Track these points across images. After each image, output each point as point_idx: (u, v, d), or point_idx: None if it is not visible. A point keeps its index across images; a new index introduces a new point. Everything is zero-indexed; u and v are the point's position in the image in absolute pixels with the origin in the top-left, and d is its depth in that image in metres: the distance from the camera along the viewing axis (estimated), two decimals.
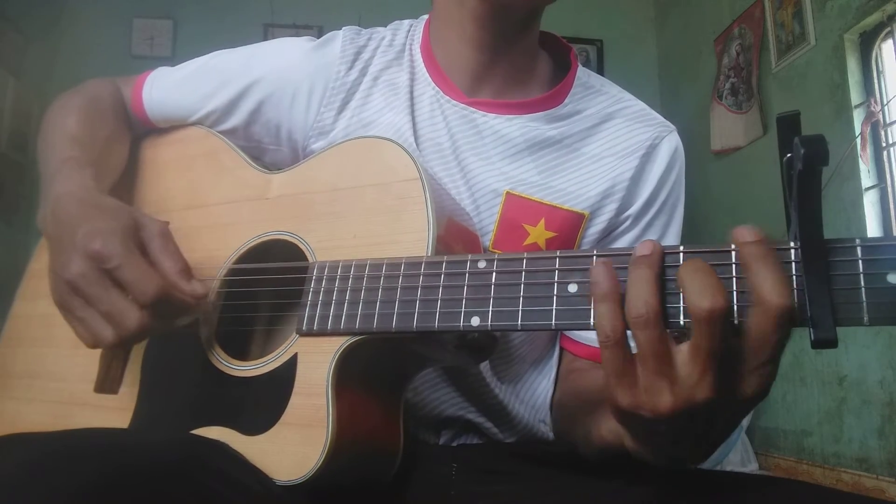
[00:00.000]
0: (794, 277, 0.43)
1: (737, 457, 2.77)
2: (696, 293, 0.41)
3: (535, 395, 0.78)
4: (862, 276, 0.41)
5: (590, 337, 0.76)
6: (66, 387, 0.76)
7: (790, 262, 0.43)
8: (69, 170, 0.70)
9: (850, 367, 2.41)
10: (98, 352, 0.73)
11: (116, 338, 0.58)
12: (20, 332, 0.85)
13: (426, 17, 0.85)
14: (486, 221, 0.74)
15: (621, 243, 0.78)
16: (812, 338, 0.41)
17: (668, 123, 0.80)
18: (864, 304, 0.41)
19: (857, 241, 0.42)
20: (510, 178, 0.75)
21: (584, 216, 0.75)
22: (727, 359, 0.42)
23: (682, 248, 0.46)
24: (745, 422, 2.83)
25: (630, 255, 0.47)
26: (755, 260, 0.42)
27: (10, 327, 0.86)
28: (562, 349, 0.81)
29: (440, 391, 0.73)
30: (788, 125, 0.41)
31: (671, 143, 0.78)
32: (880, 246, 0.41)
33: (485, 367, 0.73)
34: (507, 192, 0.74)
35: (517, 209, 0.74)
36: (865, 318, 0.40)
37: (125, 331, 0.58)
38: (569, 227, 0.75)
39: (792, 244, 0.44)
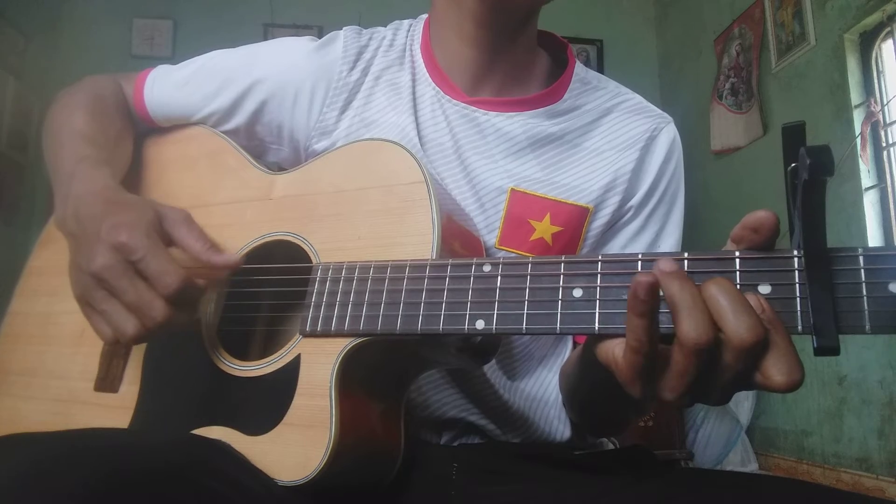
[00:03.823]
0: (798, 286, 0.43)
1: (737, 457, 2.77)
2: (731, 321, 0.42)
3: (546, 391, 0.78)
4: (864, 285, 0.41)
5: None
6: (65, 384, 0.76)
7: (793, 271, 0.44)
8: (86, 169, 0.71)
9: (850, 367, 2.41)
10: (98, 350, 0.73)
11: (138, 330, 0.59)
12: (18, 329, 0.85)
13: (425, 16, 0.85)
14: (492, 219, 0.75)
15: (623, 235, 0.79)
16: (815, 345, 0.41)
17: (665, 114, 0.81)
18: (866, 312, 0.41)
19: (860, 250, 0.42)
20: (514, 175, 0.75)
21: (589, 210, 0.76)
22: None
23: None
24: (745, 421, 2.83)
25: (633, 261, 0.47)
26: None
27: (8, 325, 0.86)
28: (576, 344, 0.81)
29: (443, 392, 0.73)
30: (793, 135, 0.42)
31: (669, 133, 0.80)
32: (882, 256, 0.42)
33: (491, 366, 0.73)
34: (512, 189, 0.75)
35: (522, 205, 0.75)
36: (867, 327, 0.41)
37: (150, 321, 0.58)
38: (574, 220, 0.75)
39: (795, 252, 0.44)
